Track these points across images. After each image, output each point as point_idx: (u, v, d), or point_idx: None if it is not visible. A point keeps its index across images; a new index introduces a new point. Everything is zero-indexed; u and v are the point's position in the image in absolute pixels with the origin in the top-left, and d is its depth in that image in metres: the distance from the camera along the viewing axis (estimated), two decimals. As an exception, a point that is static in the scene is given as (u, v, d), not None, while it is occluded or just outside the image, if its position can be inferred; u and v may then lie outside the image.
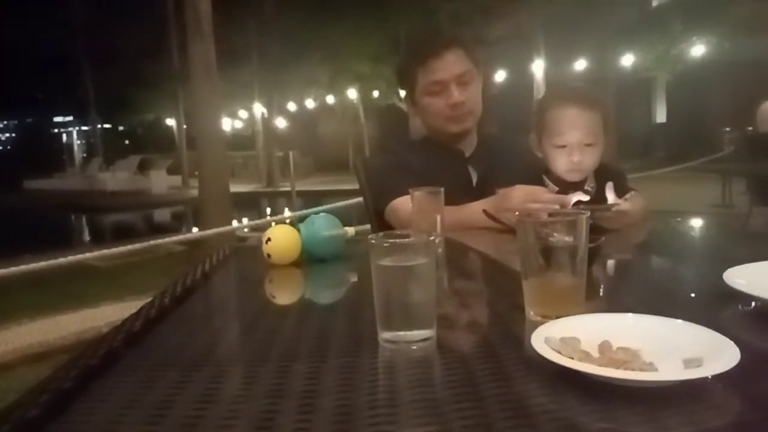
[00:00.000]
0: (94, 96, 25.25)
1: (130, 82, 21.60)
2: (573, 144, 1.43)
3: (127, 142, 30.53)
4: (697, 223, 1.78)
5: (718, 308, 0.79)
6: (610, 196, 1.38)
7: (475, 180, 1.76)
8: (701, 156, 8.33)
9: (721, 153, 8.04)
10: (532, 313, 0.80)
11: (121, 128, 31.02)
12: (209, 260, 1.26)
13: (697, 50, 13.42)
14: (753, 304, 0.77)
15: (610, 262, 1.16)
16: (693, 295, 0.98)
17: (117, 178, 19.33)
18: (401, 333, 0.72)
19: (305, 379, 0.64)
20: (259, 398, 0.61)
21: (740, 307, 0.78)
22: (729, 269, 0.85)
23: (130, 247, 4.35)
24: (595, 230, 1.30)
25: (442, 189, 1.34)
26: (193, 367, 0.71)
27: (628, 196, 1.41)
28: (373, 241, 0.74)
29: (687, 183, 7.36)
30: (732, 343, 0.59)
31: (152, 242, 4.45)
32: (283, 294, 1.17)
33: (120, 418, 0.59)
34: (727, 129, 8.72)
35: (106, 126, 29.99)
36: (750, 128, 5.42)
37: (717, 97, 14.34)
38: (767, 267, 0.88)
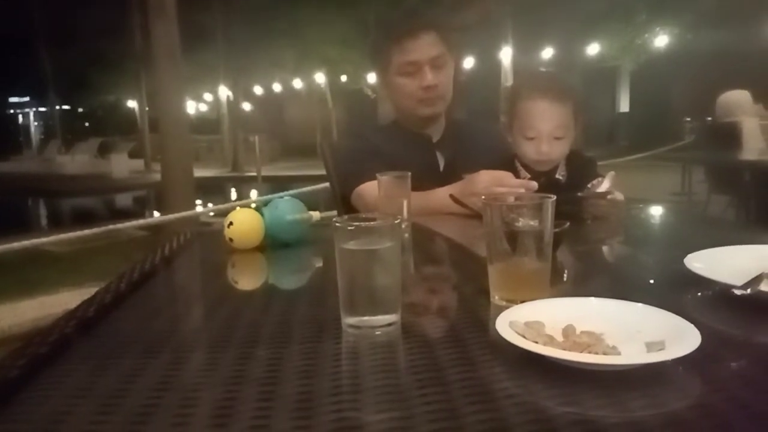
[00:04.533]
0: (52, 76, 24.41)
1: (90, 62, 20.91)
2: (542, 136, 1.43)
3: (86, 124, 29.61)
4: (658, 210, 1.81)
5: (679, 293, 0.80)
6: (606, 184, 1.38)
7: (442, 165, 1.75)
8: (663, 145, 8.52)
9: (682, 142, 8.24)
10: (497, 297, 0.79)
11: (80, 110, 30.06)
12: (169, 245, 1.22)
13: (661, 40, 13.69)
14: (712, 288, 0.78)
15: (574, 248, 1.16)
16: (655, 280, 0.99)
17: (76, 161, 18.79)
18: (365, 318, 0.71)
19: (266, 366, 0.63)
20: (217, 385, 0.59)
21: (701, 292, 0.79)
22: (689, 255, 0.86)
23: (88, 231, 4.22)
24: (579, 217, 1.32)
25: (409, 174, 1.34)
26: (149, 354, 0.68)
27: (608, 177, 1.42)
28: (337, 224, 0.72)
29: (648, 171, 7.51)
30: (693, 326, 0.60)
31: (111, 227, 4.35)
32: (246, 279, 1.15)
33: (70, 408, 0.56)
34: (688, 119, 8.93)
35: (65, 107, 29.00)
36: (709, 118, 5.55)
37: (679, 88, 14.68)
38: (726, 252, 0.90)
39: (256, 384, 0.58)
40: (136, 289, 0.94)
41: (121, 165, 18.64)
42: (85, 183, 16.54)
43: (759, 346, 0.67)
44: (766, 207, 3.99)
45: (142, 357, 0.67)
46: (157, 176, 8.58)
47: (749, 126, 4.87)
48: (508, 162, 1.51)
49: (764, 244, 0.91)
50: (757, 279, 0.75)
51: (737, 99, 5.02)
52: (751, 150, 4.71)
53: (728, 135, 4.86)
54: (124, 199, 14.84)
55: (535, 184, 1.35)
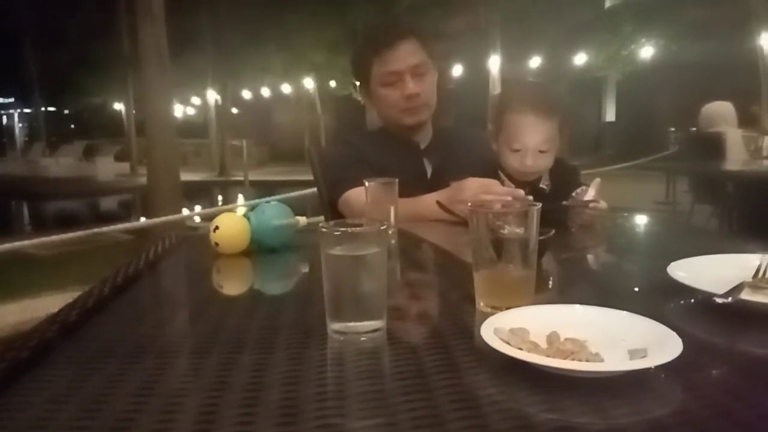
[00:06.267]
0: (37, 77, 24.17)
1: (77, 63, 20.74)
2: (527, 150, 1.44)
3: (72, 126, 29.32)
4: (642, 219, 1.83)
5: (662, 301, 0.80)
6: (591, 193, 1.39)
7: (429, 172, 1.76)
8: (647, 155, 8.62)
9: (666, 152, 8.34)
10: (482, 304, 0.80)
11: (66, 112, 29.74)
12: (154, 248, 1.21)
13: (646, 52, 13.86)
14: (695, 296, 0.78)
15: (559, 255, 1.17)
16: (638, 288, 1.00)
17: (61, 163, 18.58)
18: (351, 324, 0.71)
19: (251, 372, 0.62)
20: (201, 391, 0.58)
21: (683, 300, 0.80)
22: (672, 263, 0.87)
23: (71, 234, 4.18)
24: (564, 226, 1.33)
25: (397, 180, 1.34)
26: (132, 359, 0.68)
27: (593, 184, 1.42)
28: (324, 230, 0.72)
29: (633, 180, 7.59)
30: (675, 334, 0.61)
31: (96, 230, 4.30)
32: (231, 284, 1.14)
33: (51, 413, 0.55)
34: (673, 129, 9.05)
35: (50, 109, 28.69)
36: (693, 129, 5.62)
37: (664, 98, 14.85)
38: (708, 261, 0.91)
39: (240, 390, 0.58)
40: (119, 294, 0.93)
41: (107, 168, 18.46)
42: (69, 186, 16.35)
43: (740, 353, 0.68)
44: (748, 217, 4.05)
45: (124, 362, 0.67)
46: (143, 180, 8.51)
47: (732, 137, 4.94)
48: (496, 170, 1.52)
49: (746, 253, 0.93)
50: (739, 288, 0.76)
51: (721, 110, 5.08)
52: (734, 160, 4.77)
53: (712, 145, 4.93)
54: (109, 203, 14.70)
55: (522, 192, 1.36)
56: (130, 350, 0.71)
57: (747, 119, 5.80)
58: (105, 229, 4.45)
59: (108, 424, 0.53)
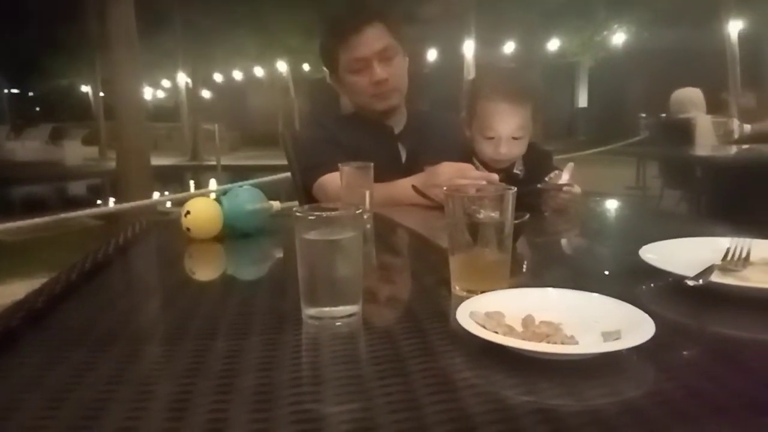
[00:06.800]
0: (0, 58, 23.41)
1: (42, 44, 20.13)
2: (501, 138, 1.44)
3: (37, 109, 28.56)
4: (613, 204, 1.85)
5: (634, 283, 0.81)
6: (565, 176, 1.40)
7: (404, 157, 1.75)
8: (619, 140, 8.74)
9: (637, 138, 8.45)
10: (457, 288, 0.80)
11: (30, 94, 28.96)
12: (123, 234, 1.19)
13: (618, 38, 13.99)
14: (666, 279, 0.80)
15: (533, 239, 1.18)
16: (611, 271, 1.01)
17: (27, 147, 18.06)
18: (326, 309, 0.70)
19: (224, 358, 0.61)
20: (173, 378, 0.57)
21: (654, 283, 0.81)
22: (644, 246, 0.88)
23: (39, 220, 4.08)
24: (538, 209, 1.33)
25: (372, 164, 1.33)
26: (102, 346, 0.66)
27: (567, 168, 1.43)
28: (298, 214, 0.71)
29: (605, 166, 7.69)
30: (647, 316, 0.61)
31: (64, 215, 4.20)
32: (203, 269, 1.13)
33: (17, 403, 0.54)
34: (643, 115, 9.15)
35: (14, 91, 27.90)
36: (663, 115, 5.71)
37: (635, 84, 15.06)
38: (678, 244, 0.93)
39: (213, 377, 0.57)
40: (88, 280, 0.90)
41: (75, 152, 18.03)
42: (36, 170, 15.92)
43: (710, 335, 0.69)
44: (716, 201, 4.13)
45: (93, 350, 0.65)
46: (113, 164, 8.35)
47: (702, 123, 5.03)
48: (470, 155, 1.52)
49: (715, 236, 0.94)
50: (709, 270, 0.77)
51: (690, 96, 5.17)
52: (703, 146, 4.87)
53: (681, 131, 5.01)
54: (77, 188, 14.38)
55: (496, 177, 1.36)
56: (100, 337, 0.69)
57: (716, 105, 5.90)
58: (73, 214, 4.35)
59: (76, 413, 0.51)
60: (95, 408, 0.52)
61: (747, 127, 5.66)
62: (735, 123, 5.64)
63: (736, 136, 5.51)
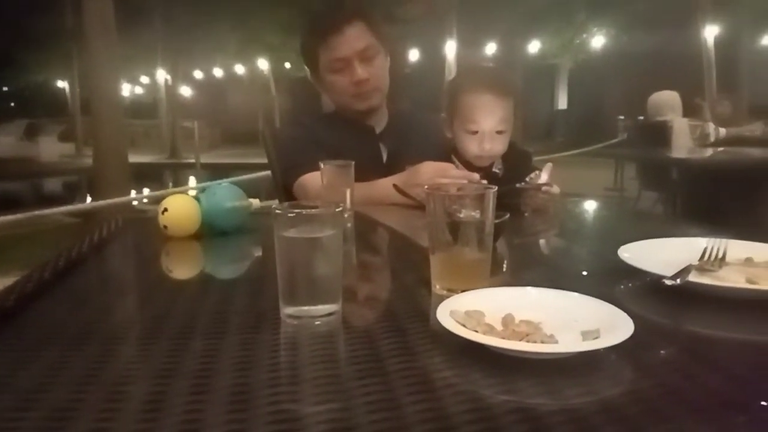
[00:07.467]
0: (-28, 52, 22.91)
1: (17, 38, 19.75)
2: (485, 131, 1.43)
3: (12, 104, 28.01)
4: (592, 204, 1.87)
5: (613, 283, 0.82)
6: (544, 176, 1.40)
7: (385, 156, 1.74)
8: (597, 142, 8.83)
9: (615, 140, 8.56)
10: (438, 287, 0.79)
11: (5, 89, 28.41)
12: (99, 231, 1.16)
13: (598, 41, 14.17)
14: (644, 279, 0.80)
15: (513, 239, 1.18)
16: (589, 270, 1.02)
17: (1, 143, 17.73)
18: (305, 308, 0.69)
19: (201, 358, 0.60)
20: (148, 378, 0.56)
21: (633, 282, 0.82)
22: (622, 246, 0.89)
23: (12, 217, 4.00)
24: (517, 209, 1.34)
25: (353, 163, 1.32)
26: (74, 346, 0.64)
27: (546, 168, 1.44)
28: (278, 211, 0.70)
29: (583, 167, 7.78)
30: (626, 315, 0.62)
31: (38, 213, 4.12)
32: (181, 268, 1.11)
33: (-16, 403, 0.52)
34: (621, 117, 9.28)
35: (-12, 86, 27.38)
36: (641, 117, 5.78)
37: (613, 87, 15.24)
38: (656, 244, 0.94)
39: (189, 377, 0.56)
40: (61, 278, 0.88)
41: (51, 148, 17.76)
42: (10, 167, 15.61)
43: (687, 334, 0.70)
44: (692, 202, 4.20)
45: (66, 349, 0.64)
46: (89, 161, 8.21)
47: (678, 125, 5.10)
48: (450, 155, 1.52)
49: (692, 237, 0.95)
50: (686, 270, 0.78)
51: (667, 99, 5.24)
52: (679, 148, 4.94)
53: (658, 133, 5.08)
54: (53, 185, 14.15)
55: (477, 176, 1.36)
56: (73, 337, 0.68)
57: (692, 108, 5.99)
58: (48, 211, 4.27)
59: (48, 414, 0.50)
60: (68, 408, 0.51)
61: (722, 131, 5.76)
62: (711, 126, 5.72)
63: (712, 139, 5.59)
